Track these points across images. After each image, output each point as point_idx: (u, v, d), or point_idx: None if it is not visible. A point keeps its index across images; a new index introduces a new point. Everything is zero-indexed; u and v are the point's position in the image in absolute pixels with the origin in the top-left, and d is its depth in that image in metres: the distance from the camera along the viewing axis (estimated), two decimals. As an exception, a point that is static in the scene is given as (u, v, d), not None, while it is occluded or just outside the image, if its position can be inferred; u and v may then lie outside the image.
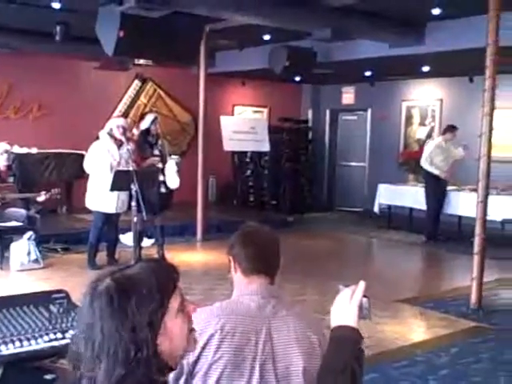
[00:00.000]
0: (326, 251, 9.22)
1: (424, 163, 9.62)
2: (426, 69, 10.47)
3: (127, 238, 7.89)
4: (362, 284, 1.62)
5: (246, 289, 2.12)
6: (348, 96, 13.46)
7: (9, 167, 7.65)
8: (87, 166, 7.24)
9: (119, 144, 7.14)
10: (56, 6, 7.60)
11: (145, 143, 7.59)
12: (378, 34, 8.32)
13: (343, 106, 13.56)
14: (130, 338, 1.28)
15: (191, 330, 1.42)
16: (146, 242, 8.20)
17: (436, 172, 9.51)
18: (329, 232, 10.80)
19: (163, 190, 7.63)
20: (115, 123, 7.24)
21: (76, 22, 8.04)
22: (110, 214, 7.28)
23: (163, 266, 1.43)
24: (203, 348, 1.99)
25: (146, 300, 1.32)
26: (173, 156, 7.94)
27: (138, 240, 6.95)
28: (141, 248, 7.50)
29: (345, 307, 1.60)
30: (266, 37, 9.35)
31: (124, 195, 7.14)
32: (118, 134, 7.11)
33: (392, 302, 6.31)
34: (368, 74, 11.39)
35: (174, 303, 1.37)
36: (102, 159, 7.05)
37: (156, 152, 7.61)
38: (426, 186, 9.78)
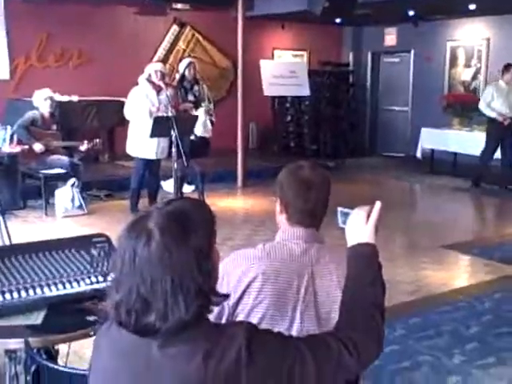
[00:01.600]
0: (368, 197, 9.11)
1: (482, 106, 9.24)
2: (472, 7, 10.03)
3: (168, 185, 7.95)
4: (378, 204, 1.64)
5: (289, 232, 2.09)
6: (390, 37, 13.06)
7: (52, 115, 7.71)
8: (127, 112, 7.25)
9: (158, 89, 7.11)
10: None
11: (181, 88, 7.56)
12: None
13: (385, 48, 13.17)
14: (197, 268, 1.30)
15: None
16: (187, 189, 8.26)
17: (495, 116, 9.08)
18: (371, 177, 10.68)
19: (192, 137, 7.63)
20: (153, 68, 7.19)
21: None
22: (151, 160, 7.31)
23: (200, 201, 1.50)
24: (245, 290, 1.99)
25: (201, 229, 1.34)
26: (203, 104, 7.85)
27: (178, 186, 7.00)
28: (182, 194, 7.56)
29: (361, 227, 1.61)
30: (306, -23, 9.09)
31: (164, 141, 7.16)
32: (156, 79, 7.07)
33: (437, 248, 6.24)
34: (411, 13, 11.00)
35: (215, 234, 1.41)
36: (141, 105, 7.05)
37: (190, 97, 7.57)
38: (487, 131, 9.34)
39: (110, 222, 6.99)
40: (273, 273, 1.99)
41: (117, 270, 1.34)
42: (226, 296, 1.49)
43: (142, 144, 7.16)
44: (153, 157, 7.26)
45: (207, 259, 1.33)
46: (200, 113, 7.63)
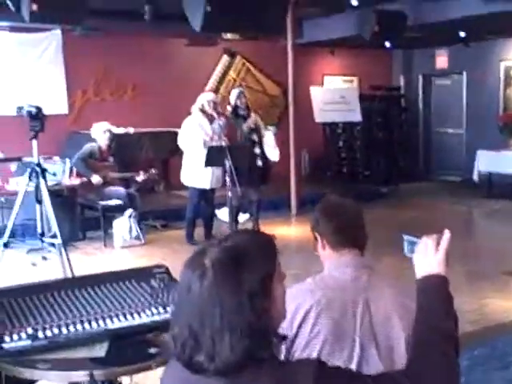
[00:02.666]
0: (424, 222, 8.94)
1: None
2: (525, 25, 9.85)
3: (223, 213, 7.99)
4: (447, 233, 1.58)
5: (337, 262, 2.08)
6: (441, 59, 12.92)
7: (109, 147, 7.90)
8: (181, 142, 7.36)
9: (211, 119, 7.20)
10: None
11: (237, 117, 7.63)
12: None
13: (436, 71, 13.04)
14: (250, 307, 1.27)
15: (285, 299, 1.42)
16: (242, 217, 8.28)
17: None
18: (426, 202, 10.49)
19: (260, 163, 7.64)
20: (206, 98, 7.30)
21: (163, 1, 8.13)
22: (206, 190, 7.38)
23: (262, 235, 1.44)
24: (300, 325, 1.96)
25: (257, 266, 1.31)
26: (269, 127, 7.88)
27: (233, 215, 7.03)
28: (237, 223, 7.59)
29: (431, 256, 1.56)
30: (354, 2, 9.08)
31: (218, 170, 7.22)
32: (208, 109, 7.17)
33: (498, 275, 6.04)
34: (462, 34, 10.86)
35: (277, 270, 1.37)
36: (195, 135, 7.14)
37: (251, 125, 7.63)
38: None
39: (167, 253, 7.07)
40: (326, 303, 1.98)
41: (175, 303, 1.35)
42: (285, 337, 1.44)
43: (196, 174, 7.24)
44: (207, 186, 7.33)
45: (262, 298, 1.29)
46: (269, 136, 7.66)
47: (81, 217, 7.80)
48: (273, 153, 7.62)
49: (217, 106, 7.28)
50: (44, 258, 6.68)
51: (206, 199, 7.51)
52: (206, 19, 6.44)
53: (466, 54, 11.95)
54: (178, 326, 1.32)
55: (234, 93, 7.80)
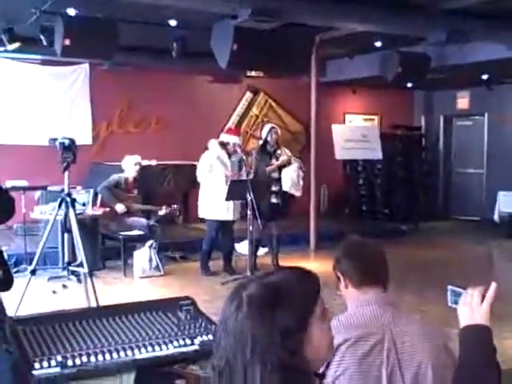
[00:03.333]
0: (444, 261, 8.90)
1: None
2: (548, 69, 9.91)
3: (242, 247, 8.03)
4: (494, 285, 1.61)
5: (360, 300, 2.11)
6: (463, 101, 12.99)
7: (135, 179, 8.03)
8: (200, 174, 7.47)
9: (230, 153, 7.34)
10: (172, 23, 7.94)
11: (264, 153, 7.73)
12: (495, 36, 7.97)
13: (458, 112, 13.10)
14: (282, 344, 1.28)
15: (331, 339, 1.42)
16: (260, 251, 8.30)
17: None
18: (446, 241, 10.44)
19: (274, 200, 7.66)
20: (233, 141, 7.43)
21: (191, 38, 8.33)
22: (224, 222, 7.44)
23: (308, 272, 1.44)
24: (328, 363, 1.97)
25: (293, 306, 1.32)
26: (294, 159, 7.87)
27: (253, 248, 7.06)
28: (256, 257, 7.62)
29: (476, 308, 1.59)
30: (378, 44, 9.23)
31: (238, 202, 7.30)
32: (231, 149, 7.38)
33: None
34: (484, 77, 10.94)
35: (318, 310, 1.37)
36: (214, 167, 7.25)
37: (274, 161, 7.71)
38: None
39: (185, 284, 7.12)
40: (352, 342, 2.00)
41: (216, 333, 1.39)
42: (323, 375, 1.45)
43: (214, 205, 7.31)
44: (229, 217, 7.39)
45: (296, 336, 1.30)
46: (292, 169, 7.71)
47: (102, 246, 7.87)
48: (286, 183, 7.64)
49: (236, 148, 7.44)
50: (64, 287, 6.75)
51: (225, 232, 7.56)
52: (232, 57, 6.57)
53: (487, 96, 12.02)
54: (216, 356, 1.35)
55: (266, 128, 7.91)
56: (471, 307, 1.60)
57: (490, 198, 11.12)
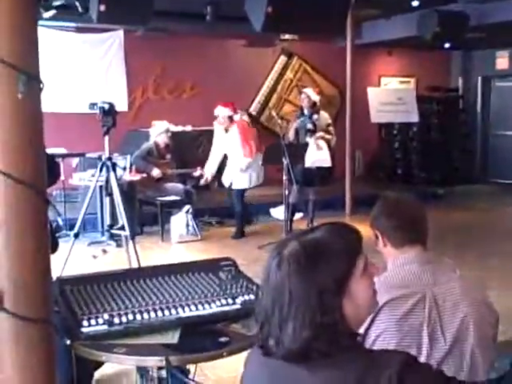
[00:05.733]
0: (480, 225, 8.81)
1: None
2: None
3: (278, 212, 8.06)
4: None
5: (400, 259, 2.10)
6: (502, 61, 12.65)
7: (167, 145, 8.08)
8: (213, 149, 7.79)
9: (226, 128, 7.76)
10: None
11: (301, 118, 7.76)
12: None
13: (497, 72, 12.77)
14: (317, 301, 1.31)
15: (374, 292, 1.43)
16: (296, 216, 8.31)
17: None
18: (483, 205, 10.31)
19: (308, 164, 7.67)
20: (219, 113, 7.78)
21: (224, 2, 8.25)
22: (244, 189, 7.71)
23: (348, 228, 1.45)
24: (370, 323, 1.99)
25: (333, 263, 1.34)
26: (318, 133, 7.85)
27: (289, 213, 7.09)
28: (292, 221, 7.64)
29: None
30: (415, 3, 9.00)
31: (255, 171, 7.42)
32: (224, 122, 7.74)
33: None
34: (525, 35, 10.62)
35: (360, 266, 1.38)
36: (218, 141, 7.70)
37: (309, 126, 7.69)
38: None
39: (221, 249, 7.18)
40: (394, 301, 2.00)
41: (259, 290, 1.42)
42: (357, 334, 1.44)
43: (233, 176, 7.63)
44: (245, 186, 7.63)
45: (333, 294, 1.32)
46: (311, 142, 7.70)
47: (139, 212, 7.98)
48: (309, 157, 7.63)
49: (232, 119, 7.70)
50: (104, 251, 6.87)
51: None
52: (267, 20, 6.50)
53: (528, 54, 11.70)
54: (258, 309, 1.39)
55: (301, 94, 8.05)
56: None
57: (530, 161, 10.91)
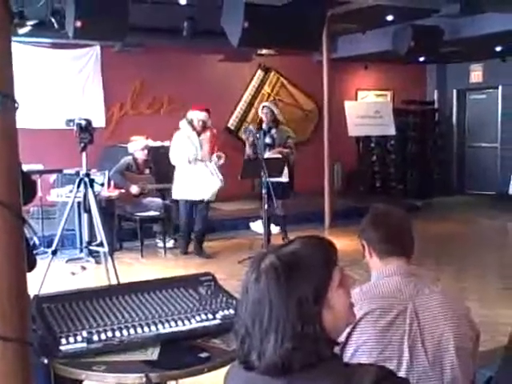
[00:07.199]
0: (458, 237, 8.90)
1: None
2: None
3: (257, 226, 8.05)
4: None
5: (384, 271, 2.11)
6: (476, 74, 12.85)
7: (145, 160, 8.06)
8: (172, 157, 7.54)
9: (199, 132, 7.46)
10: (182, 1, 7.89)
11: (260, 132, 7.76)
12: (509, 6, 7.86)
13: (471, 85, 12.97)
14: (297, 312, 1.32)
15: (351, 305, 1.45)
16: (274, 229, 8.32)
17: None
18: (460, 216, 10.42)
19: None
20: (196, 116, 7.47)
21: (202, 17, 8.29)
22: (197, 202, 7.50)
23: (323, 241, 1.47)
24: (350, 334, 1.99)
25: (310, 275, 1.36)
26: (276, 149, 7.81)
27: (268, 226, 7.09)
28: (270, 235, 7.64)
29: None
30: (389, 17, 9.13)
31: (209, 184, 7.30)
32: (197, 127, 7.42)
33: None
34: (498, 49, 10.81)
35: (336, 277, 1.40)
36: (185, 148, 7.35)
37: (267, 140, 7.72)
38: None
39: (201, 263, 7.19)
40: (374, 313, 2.00)
41: (237, 303, 1.42)
42: (336, 344, 1.45)
43: (186, 186, 7.38)
44: (205, 197, 7.41)
45: (312, 305, 1.33)
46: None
47: (118, 228, 7.93)
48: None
49: (206, 125, 7.49)
50: (83, 268, 6.82)
51: (198, 212, 7.61)
52: (243, 35, 6.54)
53: (501, 68, 11.88)
54: (237, 324, 1.40)
55: (260, 107, 8.05)
56: None
57: (505, 172, 11.06)
